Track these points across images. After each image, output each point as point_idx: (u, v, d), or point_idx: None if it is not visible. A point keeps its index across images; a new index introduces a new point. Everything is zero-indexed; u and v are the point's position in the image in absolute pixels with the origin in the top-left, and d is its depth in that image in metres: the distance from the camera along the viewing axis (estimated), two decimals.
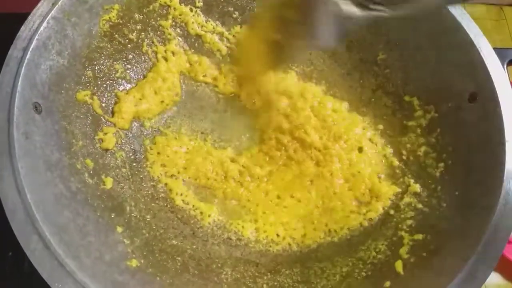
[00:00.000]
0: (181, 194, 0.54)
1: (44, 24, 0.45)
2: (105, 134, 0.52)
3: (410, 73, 0.56)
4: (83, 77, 0.51)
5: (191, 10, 0.59)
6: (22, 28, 0.45)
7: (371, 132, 0.57)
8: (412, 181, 0.52)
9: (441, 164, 0.50)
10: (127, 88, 0.56)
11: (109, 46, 0.54)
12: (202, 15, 0.60)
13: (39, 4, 0.46)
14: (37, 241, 0.38)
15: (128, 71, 0.56)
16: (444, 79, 0.52)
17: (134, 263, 0.44)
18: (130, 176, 0.53)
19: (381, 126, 0.57)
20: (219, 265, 0.49)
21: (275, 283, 0.47)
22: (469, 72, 0.48)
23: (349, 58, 0.61)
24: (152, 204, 0.52)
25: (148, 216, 0.51)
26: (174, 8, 0.58)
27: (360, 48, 0.60)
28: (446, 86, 0.51)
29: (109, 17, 0.53)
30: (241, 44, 0.59)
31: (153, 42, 0.58)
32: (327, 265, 0.48)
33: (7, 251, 0.51)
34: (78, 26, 0.49)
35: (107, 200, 0.48)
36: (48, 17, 0.46)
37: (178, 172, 0.55)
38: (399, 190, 0.53)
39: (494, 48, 0.48)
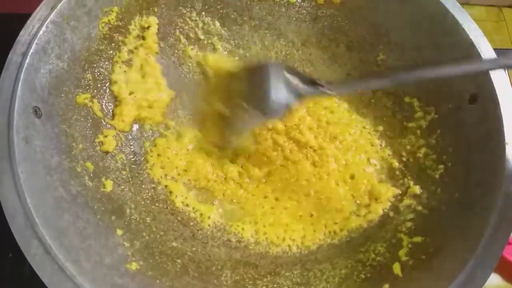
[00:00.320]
0: (181, 196, 0.54)
1: (43, 28, 0.45)
2: (105, 136, 0.52)
3: None
4: (82, 80, 0.51)
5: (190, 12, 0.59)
6: (22, 32, 0.45)
7: (370, 133, 0.57)
8: (412, 182, 0.52)
9: (441, 166, 0.50)
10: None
11: (108, 48, 0.54)
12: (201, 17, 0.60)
13: (38, 8, 0.46)
14: (38, 246, 0.38)
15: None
16: (445, 80, 0.51)
17: (134, 266, 0.44)
18: (130, 179, 0.53)
19: (381, 128, 0.57)
20: (219, 267, 0.49)
21: (275, 285, 0.47)
22: (470, 73, 0.48)
23: (349, 58, 0.60)
24: (152, 207, 0.52)
25: (148, 219, 0.51)
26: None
27: (360, 48, 0.59)
28: (446, 87, 0.51)
29: (108, 20, 0.53)
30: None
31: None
32: (326, 267, 0.48)
33: (7, 252, 0.52)
34: (77, 30, 0.49)
35: (107, 203, 0.48)
36: (47, 21, 0.46)
37: (178, 174, 0.55)
38: (399, 192, 0.53)
39: (494, 49, 0.48)
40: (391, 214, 0.52)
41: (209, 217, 0.53)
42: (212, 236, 0.52)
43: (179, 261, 0.48)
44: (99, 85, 0.53)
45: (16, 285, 0.51)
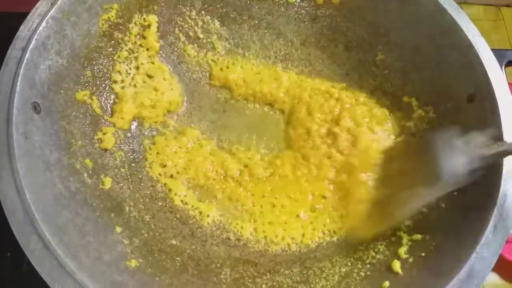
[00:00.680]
0: (180, 194, 0.54)
1: (43, 24, 0.45)
2: (104, 134, 0.52)
3: (409, 74, 0.56)
4: (82, 77, 0.51)
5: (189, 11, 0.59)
6: (21, 27, 0.45)
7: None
8: None
9: None
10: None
11: (108, 46, 0.54)
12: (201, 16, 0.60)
13: (38, 4, 0.46)
14: (37, 241, 0.38)
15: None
16: (443, 80, 0.52)
17: (133, 263, 0.44)
18: (129, 176, 0.53)
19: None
20: (218, 265, 0.49)
21: (274, 283, 0.47)
22: (468, 73, 0.49)
23: (348, 58, 0.61)
24: (151, 204, 0.52)
25: (147, 216, 0.51)
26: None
27: (359, 48, 0.60)
28: (444, 86, 0.51)
29: (108, 17, 0.53)
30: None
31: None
32: (326, 265, 0.48)
33: (6, 251, 0.51)
34: (77, 26, 0.49)
35: (106, 200, 0.48)
36: (47, 16, 0.45)
37: (178, 172, 0.55)
38: None
39: (492, 49, 0.48)
40: None
41: (208, 215, 0.53)
42: (211, 234, 0.52)
43: (178, 258, 0.48)
44: (98, 82, 0.53)
45: (15, 283, 0.51)
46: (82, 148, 0.49)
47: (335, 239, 0.52)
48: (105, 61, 0.54)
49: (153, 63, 0.58)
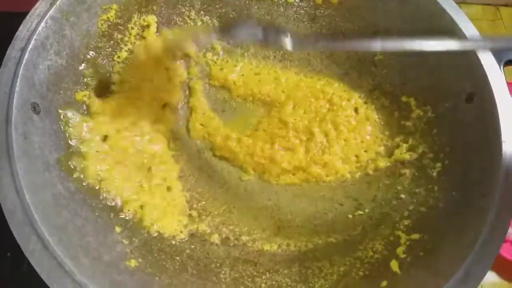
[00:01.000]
0: (180, 193, 0.54)
1: (42, 24, 0.45)
2: None
3: (408, 73, 0.56)
4: (81, 77, 0.51)
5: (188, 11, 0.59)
6: (20, 28, 0.45)
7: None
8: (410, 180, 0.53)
9: (438, 164, 0.50)
10: None
11: (107, 46, 0.54)
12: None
13: (37, 4, 0.46)
14: (36, 242, 0.38)
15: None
16: (441, 80, 0.52)
17: (132, 263, 0.44)
18: None
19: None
20: (217, 264, 0.49)
21: (274, 283, 0.47)
22: (466, 72, 0.49)
23: (347, 58, 0.61)
24: None
25: None
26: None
27: None
28: (443, 86, 0.51)
29: (107, 17, 0.53)
30: None
31: None
32: (325, 265, 0.49)
33: (6, 251, 0.51)
34: (77, 26, 0.49)
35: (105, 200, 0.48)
36: (47, 17, 0.45)
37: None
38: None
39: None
40: (389, 211, 0.52)
41: (207, 215, 0.53)
42: (210, 234, 0.52)
43: (178, 258, 0.48)
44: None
45: (15, 283, 0.51)
46: None
47: (333, 238, 0.52)
48: (104, 62, 0.54)
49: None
